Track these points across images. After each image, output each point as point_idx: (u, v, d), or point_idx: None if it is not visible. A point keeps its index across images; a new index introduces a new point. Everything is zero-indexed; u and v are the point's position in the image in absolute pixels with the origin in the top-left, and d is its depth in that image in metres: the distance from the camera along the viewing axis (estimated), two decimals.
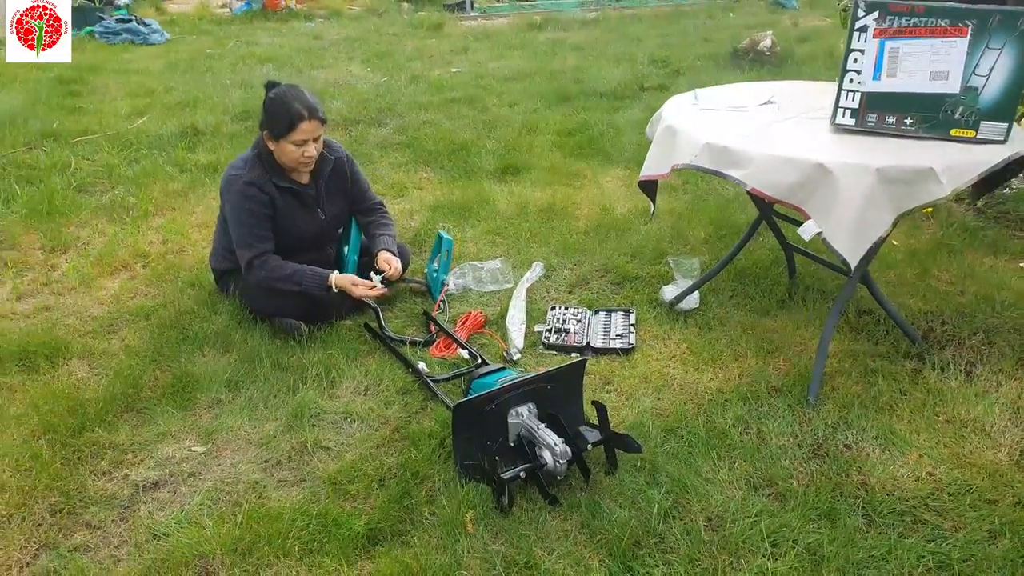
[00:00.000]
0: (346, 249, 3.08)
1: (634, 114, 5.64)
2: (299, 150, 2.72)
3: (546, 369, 2.34)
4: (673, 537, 1.99)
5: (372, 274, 2.87)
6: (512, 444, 2.23)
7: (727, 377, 2.65)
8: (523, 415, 2.22)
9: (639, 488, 2.14)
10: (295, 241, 2.87)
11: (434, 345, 2.84)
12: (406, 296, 3.21)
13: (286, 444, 2.33)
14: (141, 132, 5.13)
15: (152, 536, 1.99)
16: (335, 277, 2.79)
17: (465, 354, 2.74)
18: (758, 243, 3.51)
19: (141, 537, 1.98)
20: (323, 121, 2.76)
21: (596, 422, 2.21)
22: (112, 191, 4.23)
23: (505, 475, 2.06)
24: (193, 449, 2.31)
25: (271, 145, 2.75)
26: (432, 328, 2.94)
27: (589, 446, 2.16)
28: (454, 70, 7.28)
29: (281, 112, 2.69)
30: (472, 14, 10.58)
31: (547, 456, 2.11)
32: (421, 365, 2.65)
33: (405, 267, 3.20)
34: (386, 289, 2.89)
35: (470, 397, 2.16)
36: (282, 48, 8.20)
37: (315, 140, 2.76)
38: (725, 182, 2.80)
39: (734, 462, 2.26)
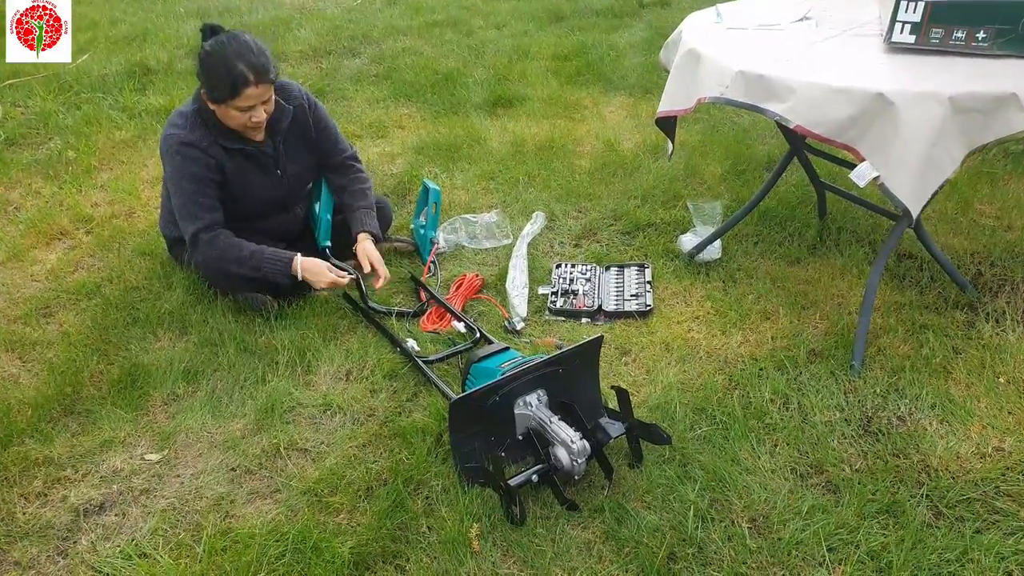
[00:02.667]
0: (317, 206, 2.68)
1: (635, 34, 5.17)
2: (245, 115, 2.29)
3: (556, 351, 2.00)
4: (714, 546, 1.70)
5: (349, 265, 2.50)
6: (520, 437, 1.92)
7: (759, 341, 2.33)
8: (532, 405, 1.90)
9: (669, 484, 1.84)
10: (254, 207, 2.47)
11: (424, 316, 2.48)
12: (390, 258, 2.82)
13: (256, 447, 2.00)
14: (82, 72, 4.58)
15: None
16: (300, 262, 2.39)
17: (461, 327, 2.40)
18: (780, 178, 3.13)
19: None
20: (273, 81, 2.31)
21: (613, 404, 1.91)
22: (48, 143, 3.75)
23: (514, 481, 1.75)
24: (146, 458, 1.97)
25: (210, 104, 2.30)
26: (422, 296, 2.58)
27: (611, 440, 1.83)
28: None
29: (221, 73, 2.22)
30: None
31: (562, 455, 1.79)
32: (411, 343, 2.31)
33: (387, 225, 2.82)
34: (354, 275, 2.49)
35: (469, 391, 1.82)
36: None
37: (264, 103, 2.31)
38: (740, 109, 2.41)
39: (775, 446, 1.96)
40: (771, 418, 2.03)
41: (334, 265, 2.50)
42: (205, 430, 2.06)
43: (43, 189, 3.34)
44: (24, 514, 1.82)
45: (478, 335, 2.31)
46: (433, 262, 2.72)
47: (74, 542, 1.76)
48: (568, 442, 1.79)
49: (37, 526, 1.79)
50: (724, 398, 2.10)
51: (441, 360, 2.25)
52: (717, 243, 2.72)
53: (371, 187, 2.72)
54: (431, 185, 2.78)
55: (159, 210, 2.72)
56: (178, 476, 1.93)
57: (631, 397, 2.02)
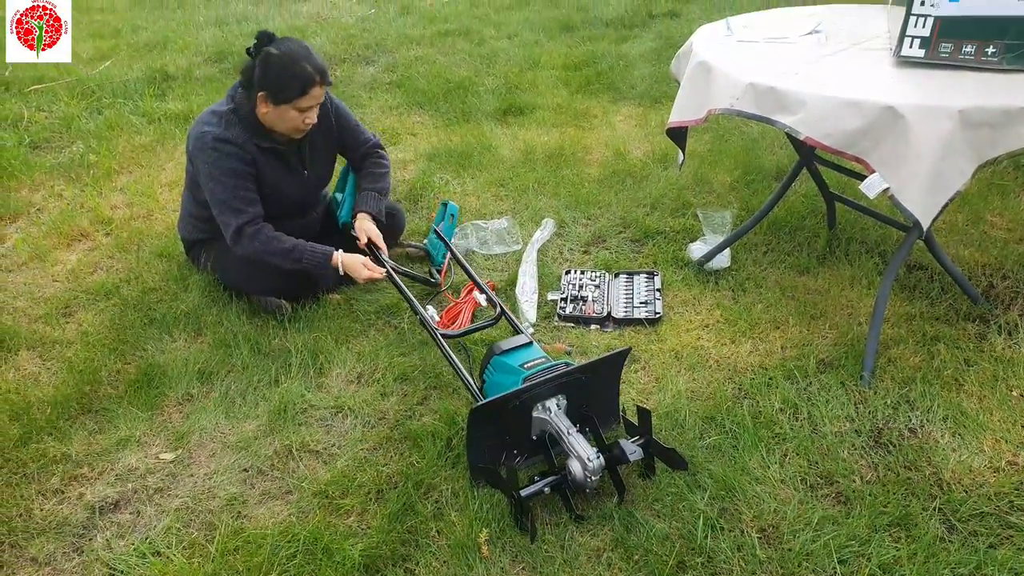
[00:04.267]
0: (340, 196, 2.72)
1: (644, 44, 5.19)
2: (301, 116, 2.32)
3: (565, 356, 2.00)
4: (723, 555, 1.70)
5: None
6: (534, 438, 1.92)
7: (768, 350, 2.33)
8: (551, 410, 1.89)
9: (679, 493, 1.85)
10: (278, 208, 2.49)
11: (443, 313, 2.50)
12: (401, 262, 2.85)
13: (268, 448, 2.02)
14: (104, 78, 4.66)
15: (109, 574, 1.69)
16: (341, 256, 2.42)
17: (482, 299, 2.42)
18: (790, 188, 3.14)
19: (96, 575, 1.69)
20: (331, 83, 2.37)
21: (625, 406, 1.91)
22: (71, 147, 3.82)
23: (526, 492, 1.75)
24: (160, 457, 2.00)
25: (264, 107, 2.31)
26: (433, 273, 2.69)
27: (628, 463, 1.82)
28: None
29: (290, 75, 2.25)
30: None
31: (577, 469, 1.78)
32: (431, 310, 2.33)
33: (400, 231, 2.85)
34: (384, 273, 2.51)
35: (491, 399, 1.82)
36: None
37: (319, 105, 2.36)
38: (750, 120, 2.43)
39: (785, 456, 1.96)
40: (781, 428, 2.03)
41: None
42: (218, 430, 2.09)
43: (65, 191, 3.39)
44: (41, 511, 1.85)
45: (499, 311, 2.31)
46: (444, 267, 2.75)
47: (89, 539, 1.78)
48: (585, 459, 1.77)
49: (54, 523, 1.82)
50: (733, 407, 2.10)
51: (461, 336, 2.27)
52: (726, 252, 2.73)
53: (388, 171, 2.73)
54: (450, 203, 2.82)
55: (178, 212, 2.75)
56: (192, 476, 1.95)
57: (642, 401, 2.03)
